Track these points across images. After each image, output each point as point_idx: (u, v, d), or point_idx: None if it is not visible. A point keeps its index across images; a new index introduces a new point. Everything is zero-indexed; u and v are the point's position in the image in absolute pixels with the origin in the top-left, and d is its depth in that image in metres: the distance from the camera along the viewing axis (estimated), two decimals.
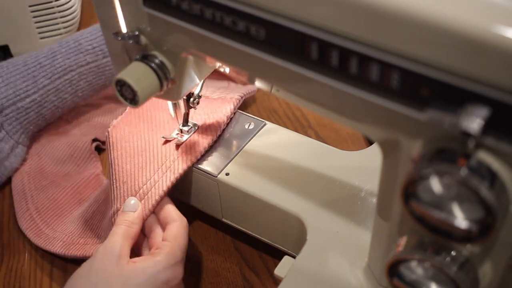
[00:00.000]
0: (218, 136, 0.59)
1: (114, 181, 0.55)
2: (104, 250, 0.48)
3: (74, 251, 0.57)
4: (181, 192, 0.59)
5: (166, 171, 0.55)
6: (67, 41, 0.68)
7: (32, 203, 0.64)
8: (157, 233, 0.52)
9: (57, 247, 0.59)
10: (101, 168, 0.69)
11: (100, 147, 0.72)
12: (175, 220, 0.51)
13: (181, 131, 0.58)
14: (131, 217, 0.51)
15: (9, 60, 0.68)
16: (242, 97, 0.63)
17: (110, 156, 0.58)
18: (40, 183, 0.66)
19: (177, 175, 0.54)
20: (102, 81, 0.70)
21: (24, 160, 0.68)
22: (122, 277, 0.45)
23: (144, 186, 0.54)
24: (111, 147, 0.58)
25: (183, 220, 0.51)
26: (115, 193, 0.55)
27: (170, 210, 0.52)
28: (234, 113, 0.61)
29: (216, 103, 0.62)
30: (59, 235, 0.60)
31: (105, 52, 0.68)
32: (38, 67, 0.65)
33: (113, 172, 0.56)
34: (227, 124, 0.60)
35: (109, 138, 0.59)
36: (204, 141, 0.57)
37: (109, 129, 0.59)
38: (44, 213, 0.63)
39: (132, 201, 0.52)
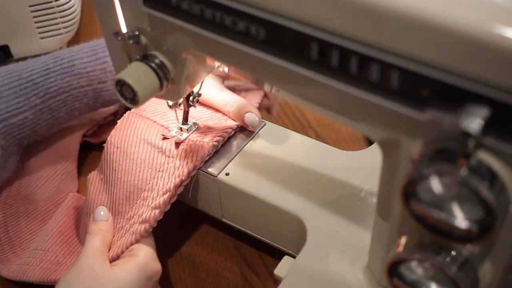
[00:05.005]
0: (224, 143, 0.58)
1: (116, 180, 0.55)
2: (86, 257, 0.49)
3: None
4: (181, 192, 0.59)
5: (169, 175, 0.54)
6: (62, 58, 0.64)
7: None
8: None
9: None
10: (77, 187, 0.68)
11: (90, 142, 0.71)
12: None
13: (181, 129, 0.58)
14: (105, 226, 0.52)
15: (6, 68, 0.65)
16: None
17: (110, 157, 0.57)
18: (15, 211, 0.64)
19: (182, 177, 0.54)
20: (99, 104, 0.67)
21: (16, 167, 0.66)
22: (112, 280, 0.47)
23: (147, 187, 0.54)
24: (111, 150, 0.58)
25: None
26: (116, 192, 0.55)
27: None
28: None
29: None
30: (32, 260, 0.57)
31: (100, 78, 0.64)
32: (31, 84, 0.62)
33: (113, 173, 0.56)
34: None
35: (108, 142, 0.58)
36: (209, 145, 0.56)
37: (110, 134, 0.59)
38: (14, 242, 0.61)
39: (102, 211, 0.53)
